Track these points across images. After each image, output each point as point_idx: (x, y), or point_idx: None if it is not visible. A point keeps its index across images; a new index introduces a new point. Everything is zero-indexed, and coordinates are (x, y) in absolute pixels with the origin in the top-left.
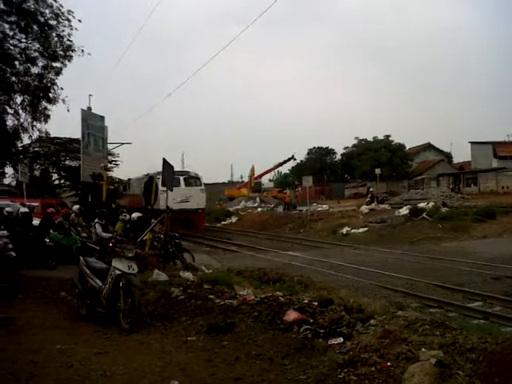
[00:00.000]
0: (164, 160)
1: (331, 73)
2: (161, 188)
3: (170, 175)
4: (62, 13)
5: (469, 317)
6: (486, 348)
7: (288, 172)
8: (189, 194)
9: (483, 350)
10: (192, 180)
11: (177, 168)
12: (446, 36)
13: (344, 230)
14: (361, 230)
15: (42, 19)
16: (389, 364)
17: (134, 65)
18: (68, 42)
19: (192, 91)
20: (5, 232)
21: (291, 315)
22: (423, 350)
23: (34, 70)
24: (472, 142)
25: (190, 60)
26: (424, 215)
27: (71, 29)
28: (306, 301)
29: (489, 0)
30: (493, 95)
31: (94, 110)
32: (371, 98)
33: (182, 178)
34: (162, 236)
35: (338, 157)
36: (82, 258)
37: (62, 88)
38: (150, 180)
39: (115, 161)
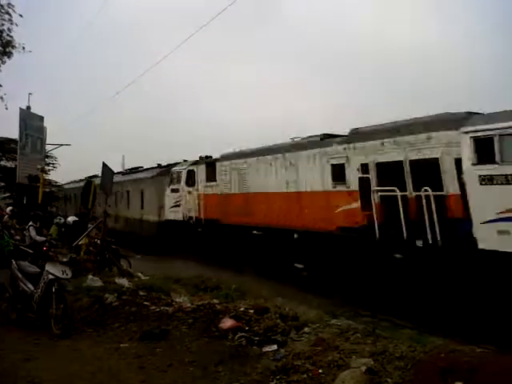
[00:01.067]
0: (104, 164)
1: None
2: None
3: (109, 180)
4: (2, 5)
5: (400, 326)
6: (414, 356)
7: None
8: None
9: (412, 358)
10: None
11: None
12: (405, 51)
13: None
14: None
15: None
16: (320, 371)
17: (79, 65)
18: (8, 38)
19: (137, 93)
20: None
21: (227, 323)
22: (354, 357)
23: None
24: None
25: (141, 60)
26: None
27: (11, 23)
28: (242, 308)
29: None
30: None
31: (34, 110)
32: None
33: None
34: (99, 241)
35: None
36: (14, 262)
37: (0, 85)
38: (88, 184)
39: (53, 163)
